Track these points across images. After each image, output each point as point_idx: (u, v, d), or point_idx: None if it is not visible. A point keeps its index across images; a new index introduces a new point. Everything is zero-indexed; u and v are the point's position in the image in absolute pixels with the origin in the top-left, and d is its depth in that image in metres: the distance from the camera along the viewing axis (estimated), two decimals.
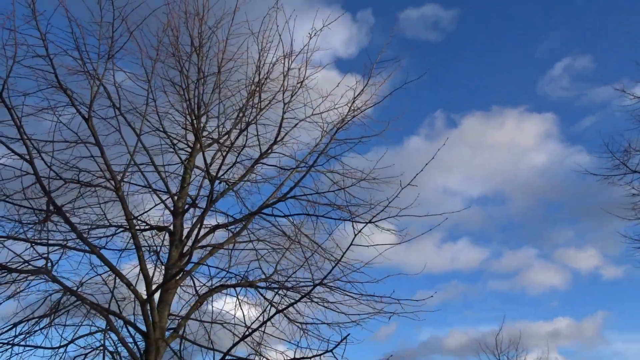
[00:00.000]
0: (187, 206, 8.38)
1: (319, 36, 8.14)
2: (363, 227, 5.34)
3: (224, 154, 7.59)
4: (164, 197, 8.44)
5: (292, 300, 7.70)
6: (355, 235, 5.21)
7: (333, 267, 5.54)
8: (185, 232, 8.21)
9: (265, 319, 6.63)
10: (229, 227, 8.13)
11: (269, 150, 8.39)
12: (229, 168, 8.28)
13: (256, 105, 9.04)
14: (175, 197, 8.33)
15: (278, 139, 8.28)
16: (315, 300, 7.16)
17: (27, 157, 5.89)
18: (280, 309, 6.51)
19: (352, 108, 8.21)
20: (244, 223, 8.31)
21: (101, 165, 7.38)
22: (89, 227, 7.20)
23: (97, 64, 7.14)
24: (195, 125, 8.87)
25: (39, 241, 6.31)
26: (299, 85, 8.18)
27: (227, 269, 7.59)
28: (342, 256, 5.45)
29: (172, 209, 8.25)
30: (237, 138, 7.58)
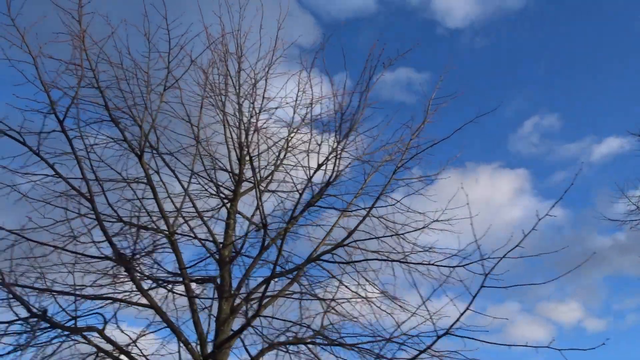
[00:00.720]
0: (232, 254, 7.59)
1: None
2: (494, 266, 4.69)
3: (300, 193, 6.94)
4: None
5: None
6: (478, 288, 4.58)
7: (461, 315, 4.79)
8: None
9: None
10: (283, 276, 7.32)
11: (322, 193, 7.77)
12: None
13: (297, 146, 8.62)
14: (221, 246, 7.53)
15: (331, 180, 7.69)
16: None
17: (88, 195, 5.10)
18: None
19: (409, 147, 7.76)
20: (294, 273, 7.55)
21: (147, 207, 6.63)
22: (142, 277, 6.28)
23: (147, 97, 6.54)
24: (240, 167, 8.28)
25: (88, 295, 5.39)
26: (354, 123, 7.69)
27: (299, 322, 6.70)
28: (468, 306, 4.74)
29: (217, 258, 7.43)
30: (311, 176, 6.96)
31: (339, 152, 6.95)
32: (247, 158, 8.31)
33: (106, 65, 6.25)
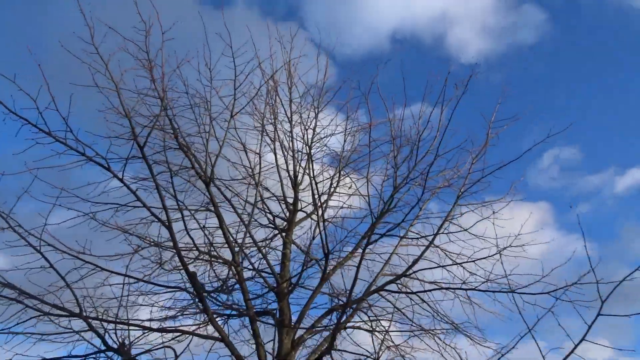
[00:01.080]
0: (291, 286, 7.37)
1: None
2: (612, 290, 4.40)
3: (377, 218, 6.77)
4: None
5: None
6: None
7: (576, 346, 4.45)
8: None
9: None
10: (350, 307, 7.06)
11: (380, 221, 7.58)
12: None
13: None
14: (279, 277, 7.32)
15: (391, 206, 7.50)
16: None
17: (167, 222, 4.97)
18: None
19: (471, 171, 7.58)
20: (354, 306, 7.29)
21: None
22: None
23: (210, 125, 6.48)
24: (295, 196, 8.15)
25: (160, 328, 5.19)
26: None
27: (373, 356, 6.43)
28: (584, 337, 4.44)
29: (276, 290, 7.21)
30: (389, 200, 6.78)
31: (416, 178, 6.80)
32: (303, 186, 8.22)
33: (172, 94, 6.23)
